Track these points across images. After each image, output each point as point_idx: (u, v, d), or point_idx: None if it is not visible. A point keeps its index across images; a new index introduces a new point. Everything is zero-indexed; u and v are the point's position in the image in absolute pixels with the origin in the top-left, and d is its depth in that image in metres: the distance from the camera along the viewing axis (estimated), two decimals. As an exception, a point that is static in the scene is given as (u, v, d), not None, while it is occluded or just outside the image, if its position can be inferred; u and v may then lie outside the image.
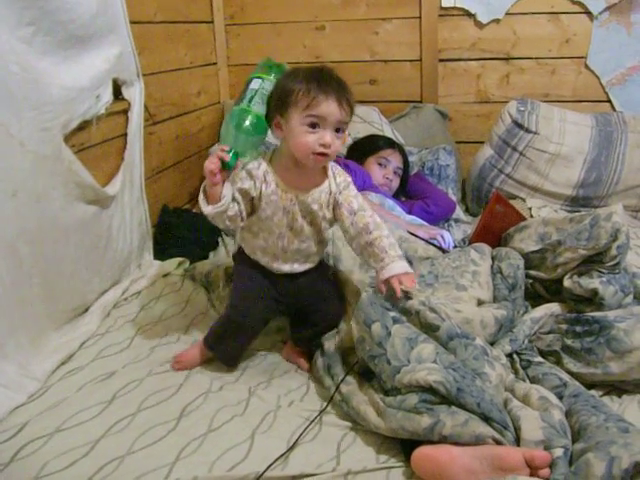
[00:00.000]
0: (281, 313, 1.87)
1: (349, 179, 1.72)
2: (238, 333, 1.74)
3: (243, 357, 1.81)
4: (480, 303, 1.81)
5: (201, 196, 1.58)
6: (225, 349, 1.75)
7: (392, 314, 1.55)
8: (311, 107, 1.52)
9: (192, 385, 1.66)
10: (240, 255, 1.79)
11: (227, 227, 1.67)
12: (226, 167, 1.54)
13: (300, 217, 1.66)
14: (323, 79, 1.55)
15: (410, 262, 1.81)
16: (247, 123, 1.60)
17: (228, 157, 1.53)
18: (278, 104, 1.58)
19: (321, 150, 1.54)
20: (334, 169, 1.70)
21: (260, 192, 1.62)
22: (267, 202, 1.63)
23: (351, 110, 1.58)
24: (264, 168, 1.62)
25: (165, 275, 2.33)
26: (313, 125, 1.53)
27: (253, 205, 1.65)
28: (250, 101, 1.62)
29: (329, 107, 1.52)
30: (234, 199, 1.59)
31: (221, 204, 1.55)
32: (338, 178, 1.69)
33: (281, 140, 1.63)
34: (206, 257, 2.58)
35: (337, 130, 1.56)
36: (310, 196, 1.65)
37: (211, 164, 1.52)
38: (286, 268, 1.72)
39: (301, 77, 1.55)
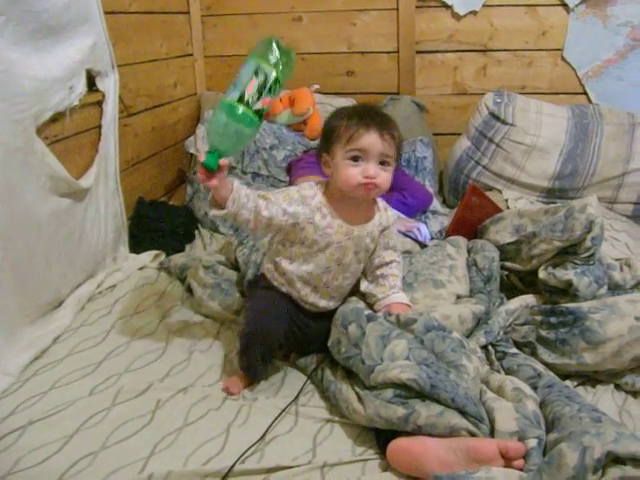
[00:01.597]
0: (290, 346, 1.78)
1: (396, 215, 1.75)
2: (263, 345, 1.63)
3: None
4: (458, 297, 1.82)
5: (210, 199, 1.53)
6: (256, 368, 1.67)
7: (366, 312, 1.57)
8: (352, 141, 1.54)
9: (169, 380, 1.66)
10: (263, 283, 1.72)
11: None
12: (207, 168, 1.44)
13: (351, 252, 1.65)
14: (365, 114, 1.57)
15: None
16: (240, 112, 1.47)
17: (202, 156, 1.45)
18: (324, 142, 1.62)
19: (366, 181, 1.53)
20: (382, 202, 1.71)
21: (314, 223, 1.59)
22: (321, 235, 1.60)
23: (396, 143, 1.58)
24: (320, 199, 1.60)
25: (141, 268, 2.32)
26: (356, 158, 1.54)
27: (294, 231, 1.61)
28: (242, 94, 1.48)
29: (370, 139, 1.53)
30: (255, 209, 1.52)
31: (224, 212, 1.50)
32: (388, 211, 1.71)
33: (330, 177, 1.62)
34: (182, 250, 2.56)
35: (382, 163, 1.56)
36: (365, 230, 1.64)
37: (198, 173, 1.48)
38: (322, 304, 1.69)
39: (344, 114, 1.59)
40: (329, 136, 1.59)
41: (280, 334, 1.62)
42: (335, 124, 1.58)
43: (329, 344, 1.61)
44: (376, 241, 1.69)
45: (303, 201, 1.58)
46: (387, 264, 1.72)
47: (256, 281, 1.79)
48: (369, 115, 1.57)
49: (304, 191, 1.60)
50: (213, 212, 1.52)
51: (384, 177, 1.56)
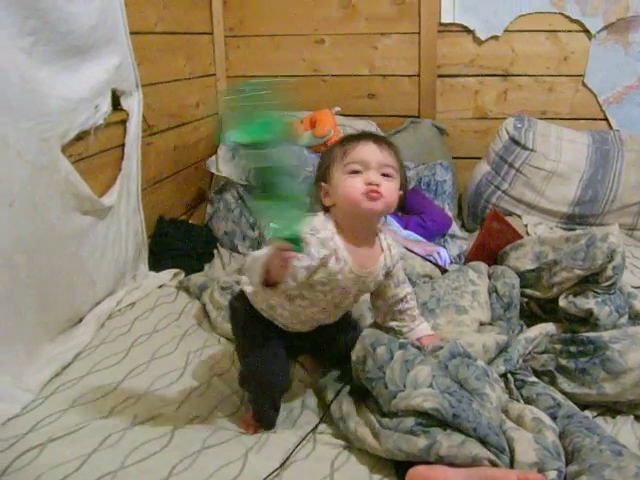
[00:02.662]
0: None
1: (400, 250, 1.66)
2: (272, 399, 1.59)
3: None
4: (481, 324, 1.82)
5: (257, 269, 1.33)
6: (267, 418, 1.61)
7: (400, 340, 1.55)
8: (348, 154, 1.46)
9: (190, 404, 1.66)
10: (246, 309, 1.59)
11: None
12: (295, 243, 1.23)
13: (352, 295, 1.56)
14: (359, 133, 1.54)
15: (410, 280, 1.81)
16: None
17: (296, 255, 1.27)
18: (321, 173, 1.53)
19: (370, 188, 1.42)
20: (387, 239, 1.58)
21: (327, 267, 1.44)
22: (330, 279, 1.46)
23: (396, 156, 1.49)
24: (337, 241, 1.45)
25: (160, 286, 2.33)
26: (355, 172, 1.44)
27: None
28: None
29: (366, 149, 1.46)
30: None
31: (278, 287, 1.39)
32: (393, 250, 1.58)
33: (332, 208, 1.49)
34: (201, 269, 2.58)
35: (383, 175, 1.45)
36: (372, 274, 1.53)
37: (280, 251, 1.25)
38: (306, 328, 1.60)
39: (338, 141, 1.55)
40: (325, 163, 1.52)
41: (286, 378, 1.59)
42: (329, 151, 1.54)
43: (353, 358, 1.57)
44: (378, 283, 1.59)
45: (323, 245, 1.42)
46: (402, 300, 1.65)
47: (243, 305, 1.61)
48: (364, 133, 1.54)
49: (321, 234, 1.42)
50: (259, 289, 1.41)
51: (388, 187, 1.44)
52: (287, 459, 1.41)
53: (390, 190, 1.45)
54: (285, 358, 1.59)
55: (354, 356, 1.57)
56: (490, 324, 1.85)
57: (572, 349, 1.70)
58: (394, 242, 1.61)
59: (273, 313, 1.56)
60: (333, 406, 1.58)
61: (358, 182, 1.43)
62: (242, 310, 1.61)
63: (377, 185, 1.43)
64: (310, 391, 1.74)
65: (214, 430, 1.53)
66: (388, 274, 1.60)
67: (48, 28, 1.81)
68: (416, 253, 2.14)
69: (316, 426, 1.55)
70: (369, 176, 1.43)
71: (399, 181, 1.50)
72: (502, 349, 1.74)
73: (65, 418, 1.54)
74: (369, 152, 1.46)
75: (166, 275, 2.40)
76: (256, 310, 1.58)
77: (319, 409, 1.65)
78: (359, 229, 1.49)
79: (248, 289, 1.58)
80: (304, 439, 1.49)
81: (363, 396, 1.57)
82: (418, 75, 3.23)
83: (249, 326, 1.60)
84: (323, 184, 1.51)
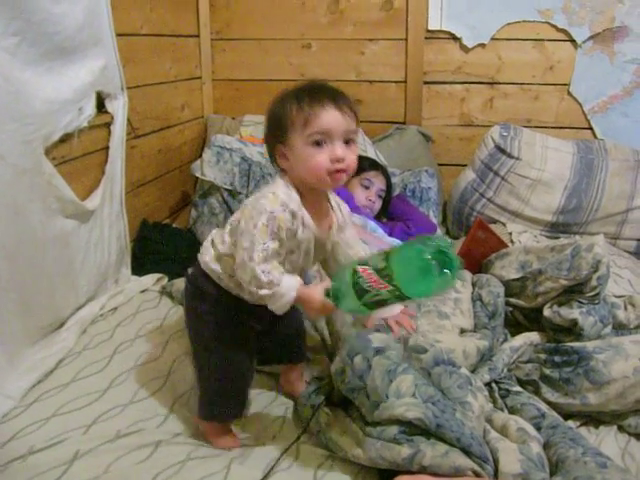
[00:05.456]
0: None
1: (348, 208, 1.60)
2: (241, 390, 1.60)
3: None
4: (462, 332, 1.81)
5: (284, 305, 1.35)
6: (231, 410, 1.61)
7: (374, 345, 1.53)
8: (310, 123, 1.36)
9: (175, 415, 1.65)
10: (217, 291, 1.52)
11: None
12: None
13: (312, 257, 1.51)
14: (314, 90, 1.41)
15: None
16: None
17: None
18: (275, 132, 1.43)
19: (336, 167, 1.37)
20: (335, 198, 1.57)
21: (297, 235, 1.41)
22: (297, 245, 1.44)
23: (355, 116, 1.41)
24: (304, 212, 1.41)
25: (143, 291, 2.31)
26: (319, 143, 1.37)
27: None
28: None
29: (329, 117, 1.36)
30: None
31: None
32: (343, 208, 1.56)
33: (290, 171, 1.44)
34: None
35: (346, 142, 1.39)
36: (329, 235, 1.51)
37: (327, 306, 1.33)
38: None
39: (291, 96, 1.41)
40: (279, 123, 1.41)
41: (253, 366, 1.60)
42: (283, 108, 1.40)
43: (332, 370, 1.56)
44: (333, 243, 1.54)
45: (294, 216, 1.39)
46: None
47: (207, 285, 1.53)
48: (319, 90, 1.41)
49: (291, 206, 1.38)
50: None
51: (352, 158, 1.39)
52: (270, 470, 1.39)
53: (353, 160, 1.41)
54: (254, 343, 1.58)
55: (333, 368, 1.56)
56: (474, 332, 1.85)
57: (556, 359, 1.71)
58: (342, 201, 1.58)
59: (240, 290, 1.47)
60: (312, 420, 1.57)
61: (323, 158, 1.37)
62: (212, 292, 1.52)
63: (343, 160, 1.38)
64: (291, 404, 1.73)
65: (198, 445, 1.52)
66: (340, 230, 1.55)
67: (33, 29, 1.79)
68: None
69: (299, 437, 1.54)
70: (334, 150, 1.37)
71: (358, 134, 1.45)
72: (483, 355, 1.73)
73: (47, 427, 1.52)
74: (333, 121, 1.37)
75: (149, 280, 2.37)
76: (224, 290, 1.51)
77: (301, 422, 1.64)
78: (317, 194, 1.47)
79: (213, 266, 1.50)
80: (287, 449, 1.48)
81: (345, 406, 1.56)
82: (405, 81, 3.23)
83: (220, 309, 1.53)
84: (280, 146, 1.43)
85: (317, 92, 1.40)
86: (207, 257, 1.52)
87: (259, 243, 1.34)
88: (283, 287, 1.33)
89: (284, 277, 1.34)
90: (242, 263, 1.36)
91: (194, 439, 1.57)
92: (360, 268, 1.26)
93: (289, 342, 1.75)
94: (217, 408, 1.58)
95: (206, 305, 1.54)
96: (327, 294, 1.32)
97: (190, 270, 1.62)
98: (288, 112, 1.39)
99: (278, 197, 1.38)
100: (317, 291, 1.33)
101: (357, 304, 1.26)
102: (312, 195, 1.45)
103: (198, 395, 1.62)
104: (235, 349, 1.54)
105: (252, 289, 1.36)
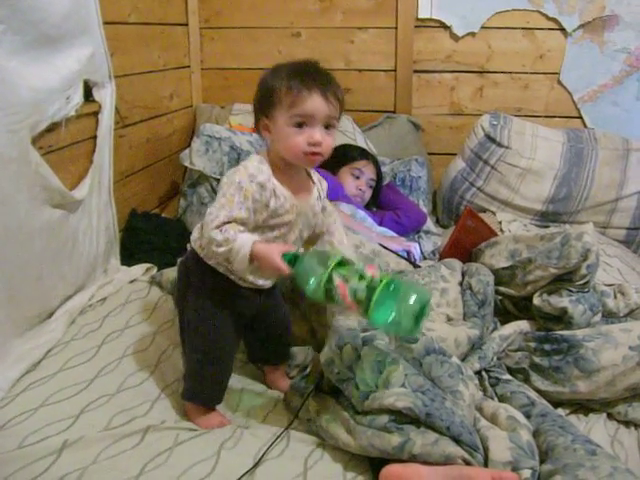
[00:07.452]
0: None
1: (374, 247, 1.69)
2: (221, 373, 1.64)
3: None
4: (449, 319, 1.81)
5: (243, 262, 1.40)
6: (210, 393, 1.63)
7: (362, 335, 1.53)
8: (295, 105, 1.42)
9: (160, 403, 1.63)
10: (202, 269, 1.55)
11: None
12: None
13: (297, 230, 1.56)
14: (306, 73, 1.46)
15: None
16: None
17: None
18: (263, 104, 1.49)
19: (311, 149, 1.44)
20: (315, 174, 1.63)
21: (269, 207, 1.47)
22: (275, 216, 1.49)
23: (340, 104, 1.48)
24: (273, 181, 1.47)
25: (132, 281, 2.29)
26: (300, 125, 1.44)
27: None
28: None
29: (314, 103, 1.42)
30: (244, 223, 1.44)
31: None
32: (323, 183, 1.64)
33: (270, 143, 1.52)
34: (174, 264, 2.53)
35: (327, 127, 1.46)
36: (308, 204, 1.55)
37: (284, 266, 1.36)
38: (260, 282, 1.58)
39: (284, 73, 1.46)
40: (268, 98, 1.47)
41: (233, 355, 1.65)
42: (274, 85, 1.46)
43: (322, 361, 1.56)
44: (318, 217, 1.61)
45: (262, 188, 1.44)
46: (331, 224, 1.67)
47: (202, 270, 1.57)
48: (311, 75, 1.46)
49: (259, 178, 1.44)
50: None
51: (329, 143, 1.46)
52: (260, 458, 1.39)
53: (329, 145, 1.47)
54: (239, 332, 1.64)
55: (322, 359, 1.56)
56: (463, 321, 1.85)
57: (546, 347, 1.71)
58: (322, 178, 1.66)
59: (230, 266, 1.50)
60: (302, 409, 1.57)
61: (301, 140, 1.44)
62: (201, 271, 1.56)
63: (320, 144, 1.44)
64: (282, 395, 1.74)
65: (186, 429, 1.52)
66: (324, 209, 1.64)
67: (18, 17, 1.76)
68: (391, 250, 2.13)
69: (289, 424, 1.53)
70: (313, 134, 1.44)
71: (340, 117, 1.51)
72: (474, 344, 1.74)
73: (36, 417, 1.51)
74: (317, 106, 1.43)
75: (138, 270, 2.36)
76: (212, 268, 1.54)
77: (291, 411, 1.63)
78: (295, 167, 1.53)
79: (202, 245, 1.54)
80: (278, 437, 1.47)
81: (335, 395, 1.56)
82: (394, 70, 3.23)
83: (208, 288, 1.58)
84: (264, 119, 1.50)
85: (309, 76, 1.45)
86: (196, 234, 1.59)
87: (225, 210, 1.41)
88: (238, 242, 1.38)
89: (240, 234, 1.40)
90: (205, 226, 1.44)
91: (181, 423, 1.57)
92: (338, 280, 1.31)
93: (274, 342, 1.77)
94: (197, 388, 1.62)
95: (195, 283, 1.60)
96: (288, 260, 1.36)
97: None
98: (277, 90, 1.45)
99: (247, 169, 1.45)
100: (275, 251, 1.38)
101: (318, 293, 1.34)
102: (291, 169, 1.52)
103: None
104: (219, 333, 1.58)
105: (213, 249, 1.42)
